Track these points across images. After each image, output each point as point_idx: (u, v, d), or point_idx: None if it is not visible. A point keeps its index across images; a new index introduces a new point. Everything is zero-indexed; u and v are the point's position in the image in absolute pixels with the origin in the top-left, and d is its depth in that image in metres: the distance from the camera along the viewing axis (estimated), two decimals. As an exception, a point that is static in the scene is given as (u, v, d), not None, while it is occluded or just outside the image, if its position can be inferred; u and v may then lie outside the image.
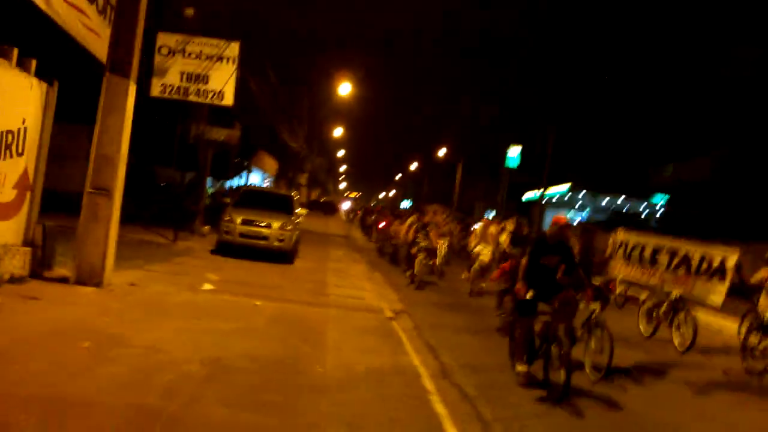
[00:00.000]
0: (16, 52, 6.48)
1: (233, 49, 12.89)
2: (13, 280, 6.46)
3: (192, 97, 12.70)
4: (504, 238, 13.12)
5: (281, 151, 31.09)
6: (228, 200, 14.79)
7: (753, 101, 30.90)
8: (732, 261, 8.95)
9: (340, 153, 67.54)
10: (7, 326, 5.08)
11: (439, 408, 4.72)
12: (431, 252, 12.99)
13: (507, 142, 56.38)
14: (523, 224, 13.81)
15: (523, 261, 6.39)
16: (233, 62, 12.91)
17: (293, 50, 26.71)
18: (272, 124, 25.48)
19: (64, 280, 6.94)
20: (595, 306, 6.23)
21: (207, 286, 8.29)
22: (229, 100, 12.89)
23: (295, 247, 12.84)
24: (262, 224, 11.95)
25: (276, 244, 11.91)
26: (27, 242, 6.88)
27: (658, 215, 55.15)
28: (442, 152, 58.97)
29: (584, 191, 59.89)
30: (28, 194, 6.91)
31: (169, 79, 12.63)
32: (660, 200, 54.82)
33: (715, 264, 9.19)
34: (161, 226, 13.58)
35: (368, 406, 4.51)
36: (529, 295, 5.93)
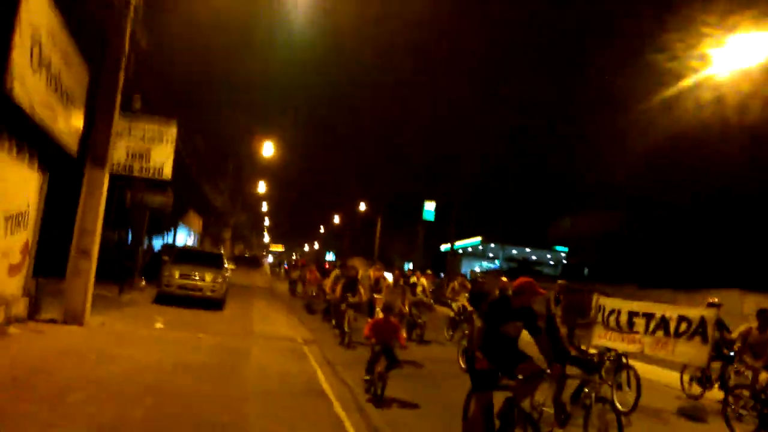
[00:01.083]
0: (27, 149, 9.12)
1: (171, 130, 15.66)
2: (18, 320, 8.90)
3: (136, 173, 15.23)
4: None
5: (206, 209, 33.49)
6: (166, 258, 17.24)
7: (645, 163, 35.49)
8: (711, 320, 8.87)
9: (264, 208, 70.10)
10: (31, 347, 7.64)
11: (326, 385, 7.68)
12: (362, 307, 12.56)
13: (423, 198, 61.05)
14: (479, 280, 13.82)
15: (477, 325, 5.63)
16: (171, 142, 15.62)
17: (218, 115, 29.47)
18: (199, 184, 27.98)
19: (53, 321, 9.43)
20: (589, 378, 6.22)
21: (158, 325, 10.93)
22: (167, 174, 15.53)
23: (224, 297, 15.52)
24: (197, 277, 14.65)
25: (209, 293, 14.61)
26: (26, 293, 9.36)
27: (561, 263, 60.48)
28: (362, 207, 62.51)
29: (493, 244, 65.04)
30: (27, 258, 9.44)
31: (116, 157, 15.22)
32: (561, 250, 60.39)
33: (695, 324, 9.04)
34: (104, 282, 15.88)
35: (277, 385, 7.40)
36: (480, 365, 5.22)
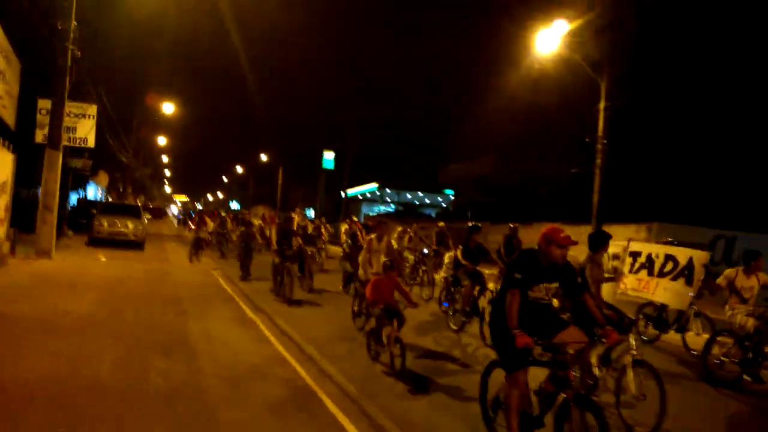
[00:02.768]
0: (2, 138, 13.40)
1: (93, 109, 19.78)
2: (3, 257, 13.41)
3: (65, 143, 19.36)
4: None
5: (113, 166, 36.91)
6: (94, 210, 21.48)
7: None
8: (701, 262, 8.66)
9: (165, 159, 72.56)
10: (30, 268, 12.32)
11: (222, 282, 12.90)
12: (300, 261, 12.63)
13: (323, 147, 66.23)
14: (516, 228, 13.54)
15: (511, 294, 4.44)
16: (93, 118, 19.81)
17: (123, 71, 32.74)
18: (109, 146, 31.56)
19: (29, 257, 13.96)
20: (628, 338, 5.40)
21: (102, 258, 15.67)
22: (91, 143, 19.79)
23: (144, 240, 20.19)
24: (122, 225, 19.22)
25: (132, 237, 19.28)
26: (8, 238, 13.81)
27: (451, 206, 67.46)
28: (264, 158, 66.51)
29: (389, 189, 71.19)
30: (8, 214, 13.85)
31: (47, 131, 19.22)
32: (449, 193, 67.33)
33: (681, 265, 8.85)
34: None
35: (194, 278, 12.53)
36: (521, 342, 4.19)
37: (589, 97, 21.19)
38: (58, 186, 14.37)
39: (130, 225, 19.42)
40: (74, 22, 14.40)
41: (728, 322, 7.95)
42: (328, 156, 68.74)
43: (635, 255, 9.69)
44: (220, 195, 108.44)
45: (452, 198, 68.68)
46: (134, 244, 19.39)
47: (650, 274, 9.32)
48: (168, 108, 40.70)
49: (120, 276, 12.58)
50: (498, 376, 4.74)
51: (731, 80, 24.88)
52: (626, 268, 9.69)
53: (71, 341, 6.61)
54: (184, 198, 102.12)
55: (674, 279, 9.02)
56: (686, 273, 8.92)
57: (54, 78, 14.44)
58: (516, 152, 45.46)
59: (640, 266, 9.52)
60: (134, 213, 20.65)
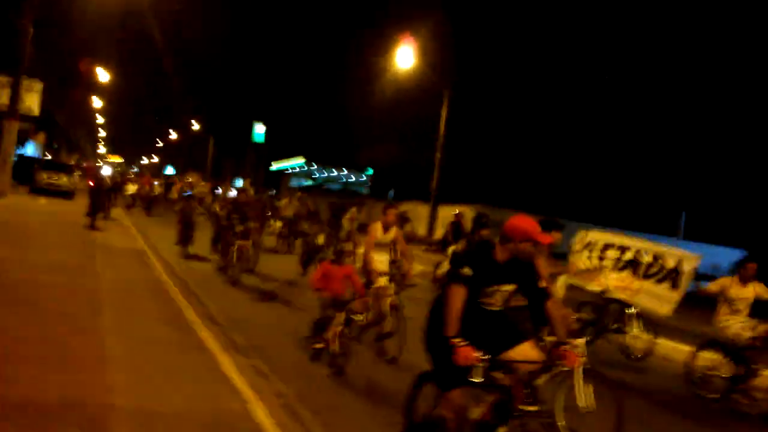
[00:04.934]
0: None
1: (38, 85, 25.64)
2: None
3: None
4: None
5: (51, 126, 42.21)
6: (36, 165, 27.31)
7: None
8: (690, 265, 8.33)
9: (100, 120, 76.85)
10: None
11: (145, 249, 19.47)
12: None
13: (254, 120, 72.52)
14: (461, 215, 12.73)
15: (454, 293, 3.70)
16: (38, 92, 25.71)
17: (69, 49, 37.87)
18: (51, 111, 37.03)
19: (-9, 195, 20.12)
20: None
21: (42, 201, 21.92)
22: (36, 113, 25.71)
23: (74, 191, 26.32)
24: (58, 178, 25.33)
25: (65, 188, 25.41)
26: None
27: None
28: (195, 126, 71.78)
29: (315, 165, 77.62)
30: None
31: (1, 101, 25.04)
32: (370, 173, 74.28)
33: (668, 267, 8.44)
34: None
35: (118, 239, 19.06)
36: (472, 357, 3.46)
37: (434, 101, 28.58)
38: (13, 148, 20.50)
39: (64, 178, 25.59)
40: (31, 29, 20.44)
41: (722, 334, 7.60)
42: (259, 129, 74.86)
43: (623, 249, 9.08)
44: (156, 158, 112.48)
45: (371, 176, 75.52)
46: (66, 194, 25.56)
47: (635, 274, 8.74)
48: (102, 73, 46.05)
49: (54, 210, 18.98)
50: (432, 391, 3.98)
51: (551, 86, 32.66)
52: (609, 264, 9.11)
53: (24, 235, 13.18)
54: (118, 159, 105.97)
55: (659, 282, 8.52)
56: (673, 276, 8.43)
57: (18, 65, 20.51)
58: (401, 142, 52.67)
59: (626, 264, 8.90)
60: (67, 170, 26.88)
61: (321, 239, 13.38)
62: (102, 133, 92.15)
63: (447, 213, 34.39)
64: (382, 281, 7.23)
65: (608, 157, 33.83)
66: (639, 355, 8.80)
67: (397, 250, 8.03)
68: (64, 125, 45.14)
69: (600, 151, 33.30)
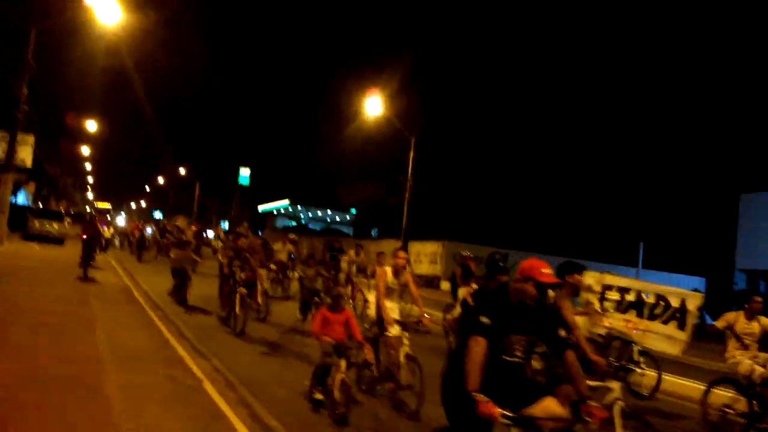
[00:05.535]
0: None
1: (31, 138, 27.59)
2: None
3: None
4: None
5: (41, 177, 44.12)
6: (29, 214, 29.07)
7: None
8: (694, 304, 8.26)
9: (89, 167, 78.74)
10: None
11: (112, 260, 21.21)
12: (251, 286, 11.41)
13: (239, 164, 74.62)
14: (470, 257, 12.34)
15: (473, 344, 3.54)
16: (31, 145, 27.63)
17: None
18: (40, 161, 38.93)
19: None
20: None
21: (36, 247, 23.63)
22: (29, 164, 27.61)
23: (65, 237, 28.04)
24: (50, 225, 27.09)
25: (56, 234, 27.13)
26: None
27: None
28: (182, 171, 73.82)
29: (300, 206, 79.74)
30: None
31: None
32: (353, 212, 76.42)
33: (673, 306, 8.39)
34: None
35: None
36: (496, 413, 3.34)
37: (404, 145, 30.77)
38: (8, 198, 22.32)
39: (55, 225, 27.36)
40: (25, 90, 22.47)
41: (734, 370, 7.51)
42: (244, 172, 76.98)
43: (623, 291, 9.02)
44: (143, 204, 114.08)
45: (354, 216, 77.64)
46: (57, 240, 27.27)
47: (639, 315, 8.66)
48: (90, 123, 48.23)
49: (47, 255, 20.72)
50: None
51: (512, 126, 35.04)
52: (611, 306, 8.94)
53: (23, 280, 14.93)
54: (106, 205, 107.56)
55: (665, 323, 8.48)
56: (678, 316, 8.42)
57: (15, 126, 22.46)
58: (379, 183, 55.08)
59: (629, 305, 8.80)
60: (58, 217, 28.69)
61: (319, 283, 12.88)
62: (90, 180, 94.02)
63: (420, 249, 36.36)
64: (396, 330, 6.91)
65: (569, 191, 36.10)
66: (646, 393, 8.63)
67: (413, 295, 7.54)
68: (52, 174, 47.01)
69: (561, 186, 35.61)
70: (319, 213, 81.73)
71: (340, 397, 5.97)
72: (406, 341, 6.83)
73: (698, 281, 39.05)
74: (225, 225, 72.71)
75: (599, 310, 8.75)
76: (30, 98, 25.54)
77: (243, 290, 10.72)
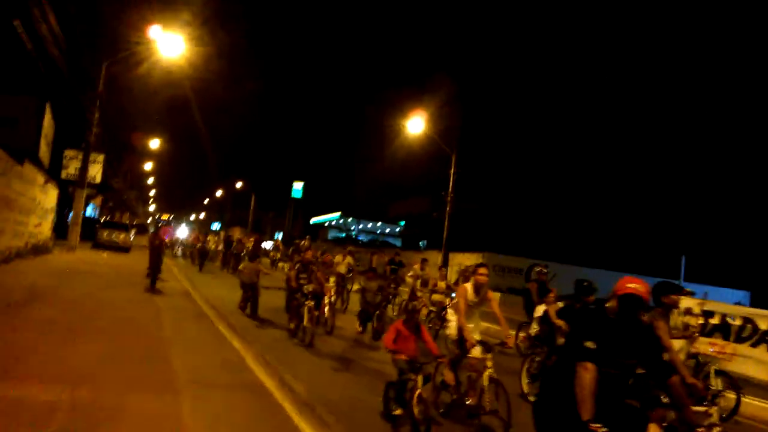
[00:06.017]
0: (53, 180, 24.09)
1: (101, 157, 30.53)
2: (50, 249, 23.98)
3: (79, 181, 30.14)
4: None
5: (107, 190, 47.64)
6: (98, 225, 32.03)
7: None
8: None
9: (150, 181, 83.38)
10: (63, 256, 22.93)
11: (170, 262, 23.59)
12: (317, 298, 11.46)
13: (293, 178, 77.53)
14: (546, 272, 12.09)
15: (583, 372, 3.45)
16: (100, 163, 30.57)
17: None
18: (106, 178, 42.25)
19: (63, 250, 24.55)
20: None
21: (104, 255, 26.33)
22: (98, 180, 30.52)
23: (130, 246, 30.82)
24: (116, 235, 29.88)
25: (122, 244, 29.91)
26: (51, 240, 24.42)
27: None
28: (239, 185, 77.26)
29: (350, 218, 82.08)
30: (53, 226, 24.49)
31: (70, 171, 29.95)
32: (403, 224, 78.19)
33: (762, 329, 8.02)
34: (61, 239, 30.72)
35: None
36: None
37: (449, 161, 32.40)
38: (81, 210, 25.07)
39: (121, 236, 30.15)
40: (97, 115, 25.24)
41: None
42: (297, 186, 79.89)
43: (707, 315, 8.62)
44: (202, 215, 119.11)
45: (403, 228, 79.39)
46: (123, 249, 30.04)
47: (726, 338, 8.29)
48: (154, 143, 51.81)
49: (114, 262, 23.26)
50: None
51: (555, 137, 36.12)
52: (694, 329, 8.47)
53: (92, 280, 17.25)
54: (166, 216, 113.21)
55: (754, 345, 8.07)
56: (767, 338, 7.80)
57: (85, 147, 25.26)
58: (427, 195, 56.89)
59: (713, 328, 8.41)
60: (124, 228, 31.56)
61: (378, 297, 12.91)
62: (152, 193, 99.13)
63: (461, 260, 37.74)
64: (478, 351, 6.63)
65: (610, 204, 36.87)
66: (724, 415, 8.00)
67: (496, 314, 7.08)
68: (117, 188, 50.56)
69: (602, 197, 36.44)
70: (369, 225, 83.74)
71: (419, 413, 5.91)
72: (489, 363, 6.50)
73: (742, 294, 38.98)
74: (279, 236, 75.57)
75: (697, 334, 8.35)
76: (100, 120, 28.47)
77: (310, 303, 10.84)
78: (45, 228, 23.34)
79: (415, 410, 5.92)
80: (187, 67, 26.25)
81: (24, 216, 18.96)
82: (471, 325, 7.01)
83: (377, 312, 12.37)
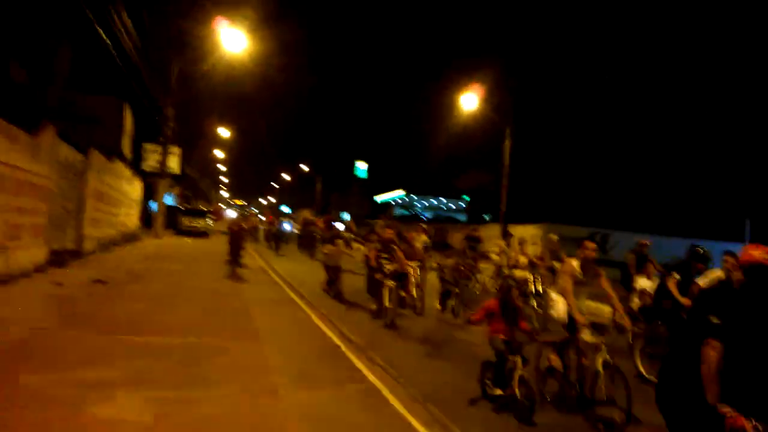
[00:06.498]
0: (139, 175, 26.19)
1: (178, 150, 32.63)
2: (138, 236, 26.13)
3: (159, 171, 32.33)
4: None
5: (184, 180, 50.42)
6: (179, 213, 34.34)
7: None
8: None
9: (222, 169, 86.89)
10: (151, 242, 24.98)
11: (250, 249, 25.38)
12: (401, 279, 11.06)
13: (356, 158, 79.19)
14: (646, 245, 11.29)
15: (709, 350, 3.27)
16: (178, 156, 32.70)
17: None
18: (184, 170, 44.80)
19: (150, 237, 26.66)
20: None
21: (188, 240, 28.41)
22: (177, 171, 32.68)
23: (208, 231, 32.95)
24: (196, 222, 32.04)
25: (202, 229, 32.06)
26: (139, 229, 26.59)
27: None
28: (305, 168, 79.41)
29: (414, 195, 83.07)
30: (140, 216, 26.65)
31: (150, 164, 32.18)
32: (466, 199, 78.51)
33: None
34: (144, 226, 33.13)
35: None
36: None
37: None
38: (162, 200, 27.15)
39: (201, 222, 32.33)
40: (172, 111, 27.10)
41: None
42: (362, 166, 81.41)
43: None
44: (272, 199, 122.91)
45: (468, 203, 79.76)
46: (203, 234, 32.19)
47: None
48: (224, 132, 54.19)
49: (197, 245, 25.21)
50: None
51: (602, 111, 35.96)
52: None
53: (179, 264, 18.99)
54: (240, 202, 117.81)
55: None
56: None
57: (163, 141, 27.25)
58: (484, 170, 57.24)
59: None
60: (203, 215, 33.71)
61: (455, 274, 12.43)
62: (224, 180, 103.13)
63: (522, 231, 38.14)
64: (589, 334, 6.13)
65: (669, 166, 36.43)
66: None
67: (607, 291, 6.53)
68: (193, 176, 53.42)
69: (660, 161, 36.04)
70: (434, 202, 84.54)
71: (521, 395, 5.73)
72: (603, 347, 5.98)
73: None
74: (347, 216, 77.45)
75: None
76: (175, 115, 30.52)
77: (391, 283, 10.61)
78: (133, 218, 25.50)
79: (517, 392, 5.74)
80: (250, 60, 27.63)
81: (116, 208, 20.96)
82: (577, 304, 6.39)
83: (456, 290, 11.96)
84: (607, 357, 5.91)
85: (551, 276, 11.73)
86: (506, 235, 14.36)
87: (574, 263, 6.61)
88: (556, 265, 11.34)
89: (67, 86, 22.60)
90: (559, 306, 6.58)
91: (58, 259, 13.63)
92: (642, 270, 9.65)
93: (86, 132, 21.44)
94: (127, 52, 20.85)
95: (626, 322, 6.34)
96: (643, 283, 9.14)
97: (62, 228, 14.52)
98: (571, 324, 6.28)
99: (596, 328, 6.16)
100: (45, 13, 22.03)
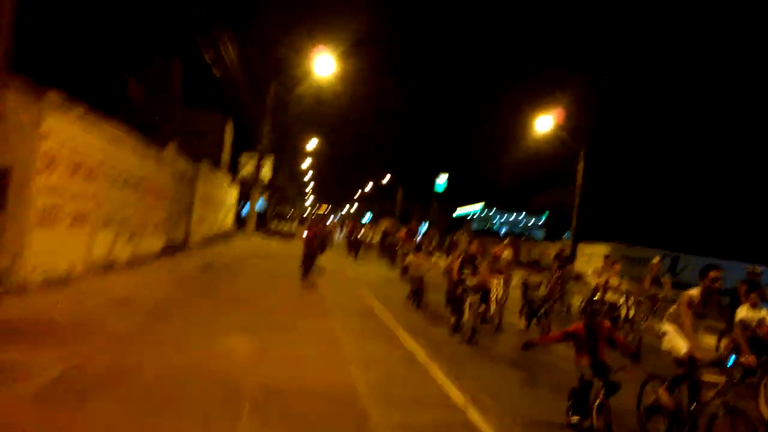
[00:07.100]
0: (235, 181, 29.52)
1: (271, 159, 35.98)
2: (232, 236, 29.39)
3: (252, 179, 35.72)
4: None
5: (273, 187, 54.40)
6: (268, 217, 37.74)
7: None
8: None
9: (306, 178, 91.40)
10: (244, 242, 28.13)
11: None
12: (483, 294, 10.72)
13: (437, 170, 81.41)
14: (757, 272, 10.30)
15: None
16: (270, 165, 36.05)
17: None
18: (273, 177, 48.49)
19: (242, 237, 29.92)
20: None
21: (274, 244, 31.53)
22: (269, 178, 36.01)
23: (294, 233, 36.11)
24: (284, 225, 35.33)
25: (288, 232, 35.26)
26: (233, 229, 29.91)
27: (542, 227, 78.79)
28: (388, 177, 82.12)
29: (494, 209, 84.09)
30: (234, 219, 29.99)
31: (245, 172, 35.62)
32: (547, 214, 78.88)
33: None
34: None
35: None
36: None
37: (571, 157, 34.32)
38: (255, 205, 30.41)
39: (287, 226, 35.59)
40: (267, 127, 30.31)
41: None
42: (441, 180, 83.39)
43: None
44: (356, 207, 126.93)
45: (546, 219, 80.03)
46: (289, 236, 35.43)
47: None
48: (311, 142, 57.87)
49: (281, 246, 28.20)
50: None
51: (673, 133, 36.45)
52: None
53: (268, 260, 21.84)
54: (324, 209, 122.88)
55: None
56: None
57: (258, 152, 30.52)
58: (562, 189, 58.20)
59: None
60: (289, 219, 37.14)
61: (541, 292, 12.25)
62: (309, 187, 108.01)
63: (593, 250, 39.02)
64: (712, 375, 5.88)
65: (745, 188, 36.48)
66: None
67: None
68: (280, 185, 57.36)
69: (736, 183, 36.18)
70: (512, 217, 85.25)
71: (598, 423, 5.46)
72: (726, 386, 5.56)
73: None
74: (424, 227, 79.22)
75: None
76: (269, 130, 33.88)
77: (474, 298, 10.37)
78: (229, 219, 28.82)
79: (595, 420, 5.48)
80: (339, 81, 30.46)
81: (215, 210, 24.23)
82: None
83: (544, 308, 11.69)
84: (729, 398, 5.45)
85: (649, 303, 11.65)
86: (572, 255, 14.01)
87: (694, 293, 6.02)
88: (658, 291, 11.30)
89: (181, 103, 26.19)
90: (673, 339, 6.08)
91: (170, 249, 16.70)
92: (747, 299, 9.01)
93: (194, 143, 24.83)
94: (232, 75, 24.10)
95: (753, 360, 5.81)
96: (745, 313, 8.55)
97: (175, 225, 17.61)
98: (692, 362, 5.75)
99: (720, 366, 5.85)
100: (161, 35, 25.49)
